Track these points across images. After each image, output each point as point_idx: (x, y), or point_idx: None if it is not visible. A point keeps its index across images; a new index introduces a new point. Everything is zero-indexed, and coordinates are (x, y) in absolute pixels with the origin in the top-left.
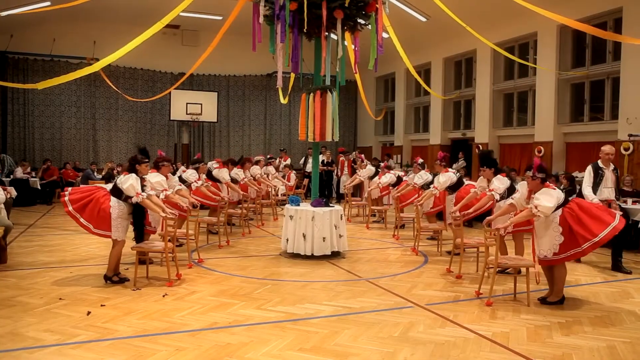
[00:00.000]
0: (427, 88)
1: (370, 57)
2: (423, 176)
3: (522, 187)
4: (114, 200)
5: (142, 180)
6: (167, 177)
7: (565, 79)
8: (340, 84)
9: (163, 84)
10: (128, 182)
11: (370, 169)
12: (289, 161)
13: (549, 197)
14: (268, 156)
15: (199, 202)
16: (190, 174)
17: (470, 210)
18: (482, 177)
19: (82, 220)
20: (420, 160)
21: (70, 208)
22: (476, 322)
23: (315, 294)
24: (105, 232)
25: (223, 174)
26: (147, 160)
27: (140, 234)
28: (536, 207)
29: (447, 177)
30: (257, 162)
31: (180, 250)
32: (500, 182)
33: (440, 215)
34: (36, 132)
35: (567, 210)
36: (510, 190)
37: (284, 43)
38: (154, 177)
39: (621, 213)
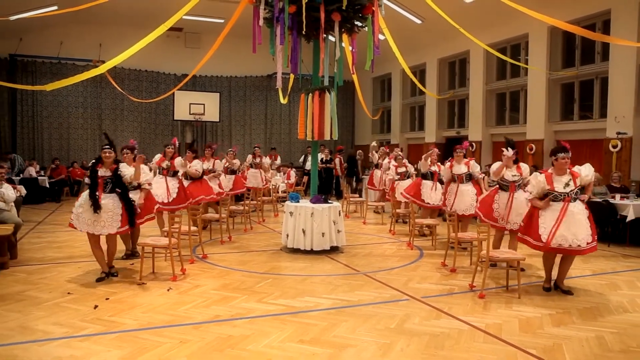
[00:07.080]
0: (422, 88)
1: (367, 58)
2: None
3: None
4: None
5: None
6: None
7: (555, 79)
8: (338, 84)
9: (167, 85)
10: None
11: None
12: (279, 160)
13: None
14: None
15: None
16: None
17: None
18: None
19: None
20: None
21: None
22: (470, 314)
23: (315, 288)
24: None
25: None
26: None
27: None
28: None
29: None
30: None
31: (183, 245)
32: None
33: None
34: (45, 133)
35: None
36: None
37: (284, 45)
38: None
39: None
